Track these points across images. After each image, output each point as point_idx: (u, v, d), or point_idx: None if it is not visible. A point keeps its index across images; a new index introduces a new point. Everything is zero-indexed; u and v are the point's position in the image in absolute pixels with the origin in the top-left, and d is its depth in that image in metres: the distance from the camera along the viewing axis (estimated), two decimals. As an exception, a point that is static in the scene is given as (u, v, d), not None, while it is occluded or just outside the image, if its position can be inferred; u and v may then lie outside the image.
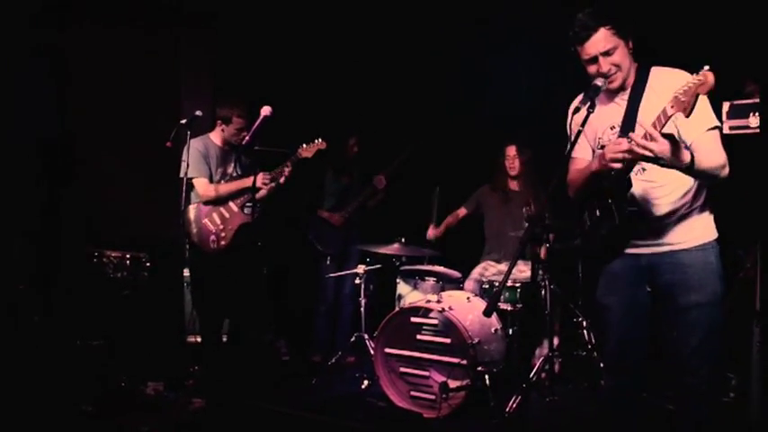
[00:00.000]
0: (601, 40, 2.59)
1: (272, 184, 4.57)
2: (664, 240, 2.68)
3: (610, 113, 2.75)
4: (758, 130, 3.80)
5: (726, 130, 4.03)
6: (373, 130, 5.68)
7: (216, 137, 4.67)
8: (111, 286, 4.65)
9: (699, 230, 2.68)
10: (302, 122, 5.41)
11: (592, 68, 2.66)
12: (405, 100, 5.86)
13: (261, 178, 4.50)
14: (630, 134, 2.44)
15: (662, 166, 2.44)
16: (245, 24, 5.82)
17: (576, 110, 2.62)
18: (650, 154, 2.36)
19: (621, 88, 2.70)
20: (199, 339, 5.02)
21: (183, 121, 4.13)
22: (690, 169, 2.44)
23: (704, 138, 2.55)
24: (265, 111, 3.95)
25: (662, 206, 2.66)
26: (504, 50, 5.36)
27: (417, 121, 5.78)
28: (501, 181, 5.17)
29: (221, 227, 4.56)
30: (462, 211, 5.37)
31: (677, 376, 2.70)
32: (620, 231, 2.66)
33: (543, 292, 4.47)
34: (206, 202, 4.57)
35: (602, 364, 4.30)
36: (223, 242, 4.56)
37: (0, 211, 4.89)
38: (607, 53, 2.60)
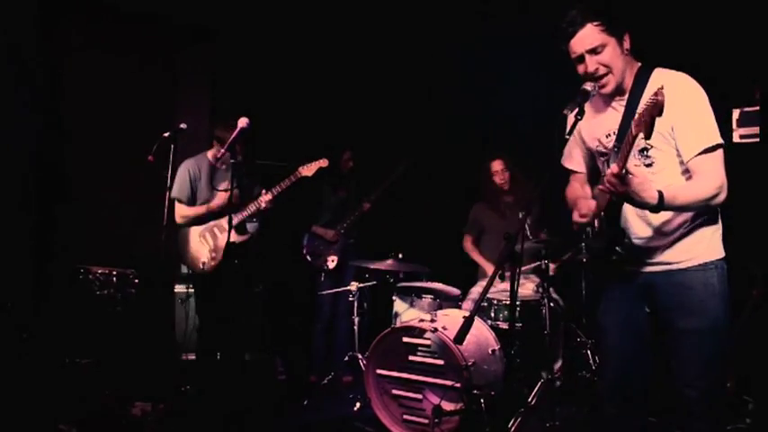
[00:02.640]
0: (587, 36, 2.39)
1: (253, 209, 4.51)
2: (660, 259, 2.47)
3: (607, 120, 2.55)
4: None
5: (736, 139, 3.82)
6: (369, 144, 5.56)
7: (212, 156, 4.58)
8: (98, 303, 4.52)
9: (700, 249, 2.44)
10: (297, 137, 5.33)
11: (580, 68, 2.47)
12: (399, 113, 5.77)
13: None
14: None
15: (630, 204, 2.26)
16: (241, 40, 5.78)
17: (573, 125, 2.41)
18: (615, 194, 2.20)
19: (618, 92, 2.49)
20: (192, 357, 4.91)
21: (166, 134, 4.01)
22: (659, 208, 2.23)
23: (699, 161, 2.32)
24: (242, 122, 3.83)
25: (655, 226, 2.45)
26: (495, 64, 5.23)
27: (412, 133, 5.68)
28: (494, 197, 4.97)
29: (212, 247, 4.45)
30: (469, 240, 5.18)
31: (679, 403, 2.48)
32: (612, 249, 2.46)
33: (543, 311, 4.24)
34: (182, 226, 4.50)
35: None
36: (213, 263, 4.45)
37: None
38: (594, 51, 2.40)
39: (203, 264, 4.45)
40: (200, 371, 4.61)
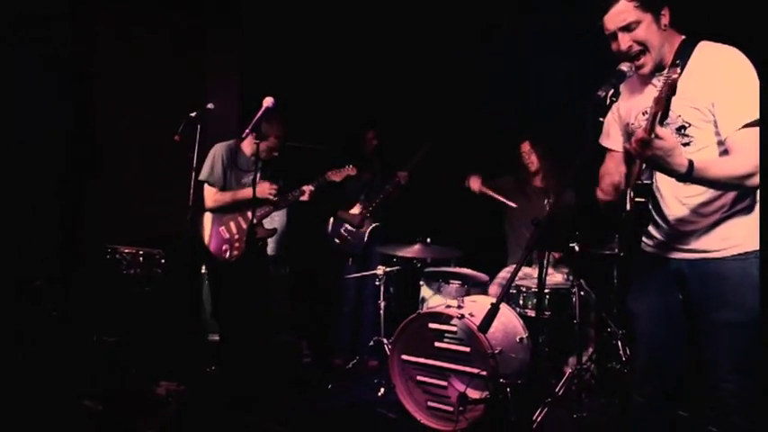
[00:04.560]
0: (621, 12, 2.26)
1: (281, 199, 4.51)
2: (695, 246, 2.33)
3: (644, 97, 2.42)
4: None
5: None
6: (392, 125, 5.48)
7: (246, 146, 4.51)
8: (125, 283, 4.53)
9: (740, 237, 2.29)
10: (322, 117, 5.27)
11: (613, 46, 2.35)
12: (424, 94, 5.68)
13: (267, 188, 4.40)
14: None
15: (658, 170, 2.12)
16: (269, 20, 5.74)
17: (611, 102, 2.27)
18: (642, 157, 2.06)
19: (658, 69, 2.34)
20: (218, 338, 4.92)
21: (193, 114, 3.98)
22: (688, 178, 2.08)
23: (738, 136, 2.17)
24: (267, 102, 3.79)
25: (692, 208, 2.32)
26: (527, 43, 5.11)
27: (437, 115, 5.57)
28: (524, 178, 4.86)
29: (236, 236, 4.42)
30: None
31: (713, 397, 2.37)
32: (645, 232, 2.37)
33: (574, 300, 4.14)
34: (212, 210, 4.46)
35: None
36: (236, 252, 4.42)
37: (21, 205, 4.84)
38: (627, 28, 2.27)
39: (226, 251, 4.43)
40: (224, 352, 4.61)
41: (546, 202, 4.36)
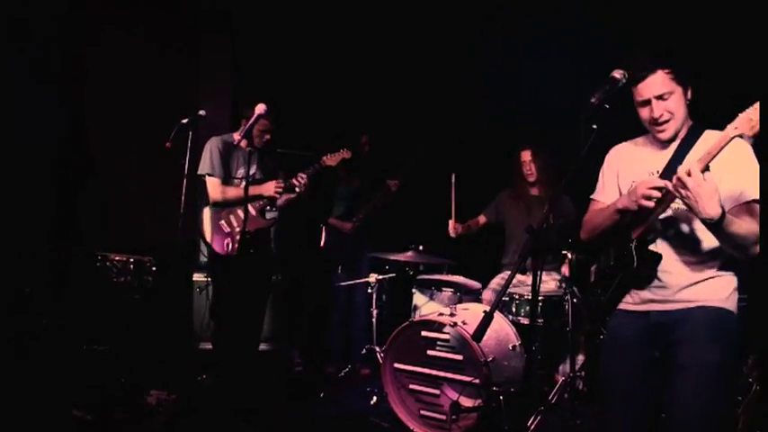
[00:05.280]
0: (657, 82, 2.33)
1: (292, 196, 4.42)
2: (680, 297, 2.36)
3: (652, 158, 2.47)
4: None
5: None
6: (384, 131, 5.50)
7: (239, 137, 4.46)
8: (115, 290, 4.50)
9: (722, 294, 2.35)
10: (316, 122, 5.26)
11: (643, 112, 2.40)
12: (417, 100, 5.68)
13: (274, 186, 4.35)
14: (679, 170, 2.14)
15: (689, 209, 2.15)
16: (262, 27, 5.75)
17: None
18: (683, 191, 2.10)
19: (671, 140, 2.42)
20: (209, 346, 4.88)
21: (185, 121, 3.95)
22: (716, 226, 2.13)
23: (747, 207, 2.26)
24: (260, 109, 3.78)
25: (687, 265, 2.35)
26: (522, 48, 5.12)
27: (429, 121, 5.59)
28: (521, 187, 4.85)
29: (237, 229, 4.37)
30: (482, 219, 5.07)
31: None
32: (635, 280, 2.38)
33: (566, 307, 4.14)
34: (214, 204, 4.39)
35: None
36: (236, 245, 4.36)
37: (11, 212, 4.80)
38: (661, 97, 2.33)
39: (227, 245, 4.38)
40: (216, 360, 4.58)
41: (544, 210, 4.36)
